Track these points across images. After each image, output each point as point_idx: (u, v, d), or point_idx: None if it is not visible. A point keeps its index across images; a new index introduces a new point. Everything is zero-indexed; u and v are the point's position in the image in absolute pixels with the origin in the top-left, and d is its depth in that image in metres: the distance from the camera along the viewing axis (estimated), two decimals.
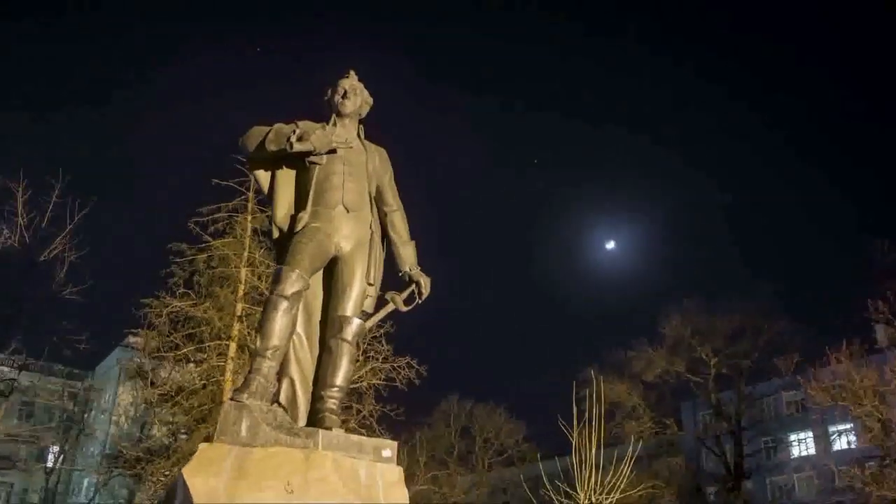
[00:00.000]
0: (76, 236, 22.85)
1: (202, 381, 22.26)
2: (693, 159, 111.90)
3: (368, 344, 24.20)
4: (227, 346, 22.48)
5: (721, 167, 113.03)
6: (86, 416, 42.08)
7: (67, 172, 23.61)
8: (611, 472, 18.42)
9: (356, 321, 6.42)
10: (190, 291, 23.46)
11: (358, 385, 24.32)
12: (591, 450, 18.54)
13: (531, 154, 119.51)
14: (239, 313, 22.70)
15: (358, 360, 7.15)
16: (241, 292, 23.10)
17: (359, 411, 24.58)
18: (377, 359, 24.37)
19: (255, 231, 24.29)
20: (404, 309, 7.58)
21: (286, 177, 6.82)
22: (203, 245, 23.74)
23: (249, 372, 6.04)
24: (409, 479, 26.28)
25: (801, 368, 36.31)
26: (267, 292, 6.49)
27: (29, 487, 43.59)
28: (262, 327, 6.07)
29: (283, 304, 6.03)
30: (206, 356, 22.54)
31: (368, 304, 6.67)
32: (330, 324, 6.41)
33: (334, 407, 6.15)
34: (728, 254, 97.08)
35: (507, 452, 44.18)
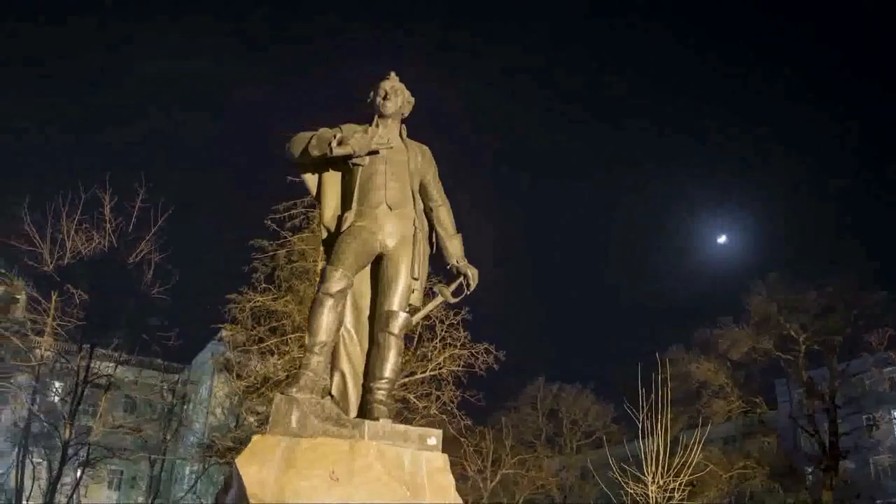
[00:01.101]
0: (161, 238, 24.06)
1: (285, 373, 22.98)
2: (799, 145, 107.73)
3: (446, 331, 24.56)
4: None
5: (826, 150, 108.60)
6: (185, 407, 43.86)
7: (150, 178, 24.89)
8: (683, 454, 18.15)
9: (402, 315, 6.66)
10: (271, 287, 24.26)
11: (437, 372, 24.75)
12: (660, 432, 18.33)
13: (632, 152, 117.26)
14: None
15: (405, 353, 7.37)
16: None
17: (438, 398, 24.92)
18: (455, 346, 24.63)
19: None
20: (453, 301, 7.83)
21: (332, 179, 7.12)
22: (282, 241, 24.50)
23: (299, 367, 6.40)
24: (496, 463, 26.61)
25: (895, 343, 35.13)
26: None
27: (136, 475, 45.80)
28: (310, 324, 6.40)
29: (329, 302, 6.35)
30: (288, 348, 23.21)
31: (415, 298, 6.90)
32: (377, 318, 6.68)
33: (383, 398, 6.42)
34: (827, 230, 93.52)
35: (594, 434, 43.90)
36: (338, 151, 6.60)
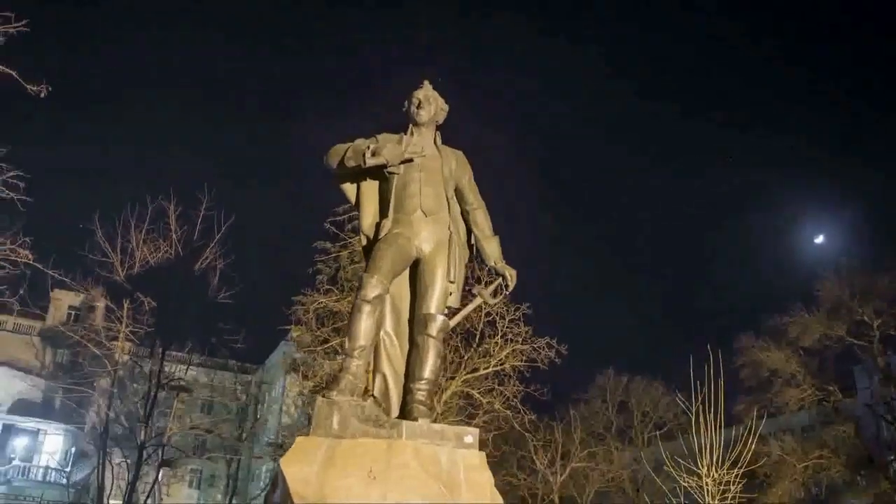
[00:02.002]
0: (224, 244, 24.85)
1: None
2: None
3: (507, 327, 24.70)
4: None
5: None
6: (259, 407, 45.01)
7: (212, 186, 25.73)
8: (742, 445, 17.86)
9: (440, 318, 6.86)
10: (333, 288, 24.78)
11: (500, 368, 24.92)
12: (711, 422, 18.08)
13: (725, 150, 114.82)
14: None
15: (444, 356, 7.50)
16: None
17: (502, 393, 25.11)
18: (517, 341, 24.75)
19: None
20: (492, 302, 8.06)
21: (370, 188, 7.36)
22: (344, 242, 25.01)
23: (340, 370, 6.67)
24: (565, 457, 26.49)
25: None
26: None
27: (215, 473, 47.21)
28: (349, 330, 6.67)
29: (367, 308, 6.59)
30: None
31: (453, 300, 7.09)
32: (416, 321, 6.90)
33: (423, 398, 6.64)
34: None
35: (666, 426, 43.31)
36: (371, 162, 6.85)
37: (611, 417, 46.08)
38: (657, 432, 45.39)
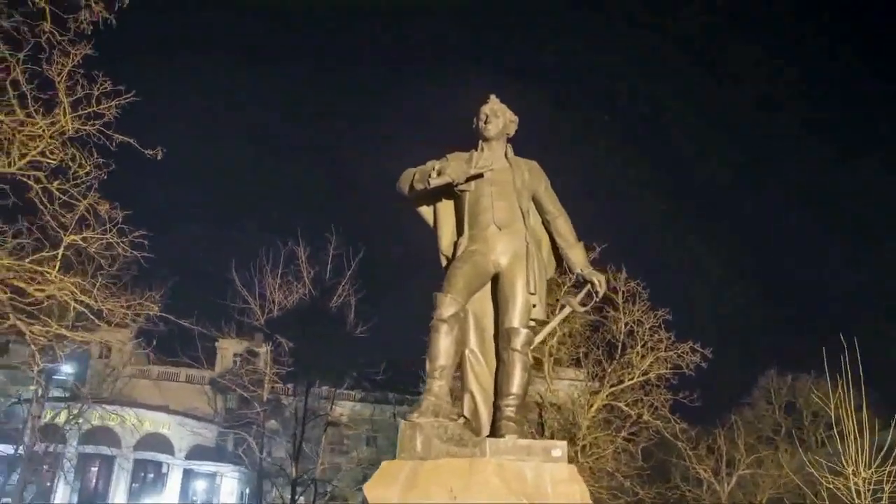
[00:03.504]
0: (356, 280, 25.62)
1: None
2: None
3: (647, 334, 24.12)
4: None
5: None
6: None
7: (339, 224, 26.68)
8: None
9: (523, 331, 6.77)
10: None
11: (645, 377, 24.32)
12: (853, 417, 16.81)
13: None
14: None
15: (530, 369, 7.32)
16: None
17: (651, 403, 24.44)
18: (659, 348, 24.10)
19: None
20: (581, 310, 7.85)
21: (446, 209, 7.40)
22: None
23: (422, 393, 6.69)
24: (731, 464, 25.35)
25: None
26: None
27: None
28: (428, 351, 6.66)
29: (444, 327, 6.59)
30: None
31: (537, 312, 6.96)
32: (500, 337, 6.83)
33: (511, 414, 6.55)
34: None
35: (841, 425, 40.54)
36: (435, 182, 6.87)
37: (778, 420, 43.61)
38: (831, 432, 42.65)
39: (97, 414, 39.08)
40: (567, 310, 7.72)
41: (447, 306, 6.59)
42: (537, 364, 25.10)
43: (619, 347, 24.69)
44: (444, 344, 6.58)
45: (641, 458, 26.33)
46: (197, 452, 46.17)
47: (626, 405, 24.48)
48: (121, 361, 41.27)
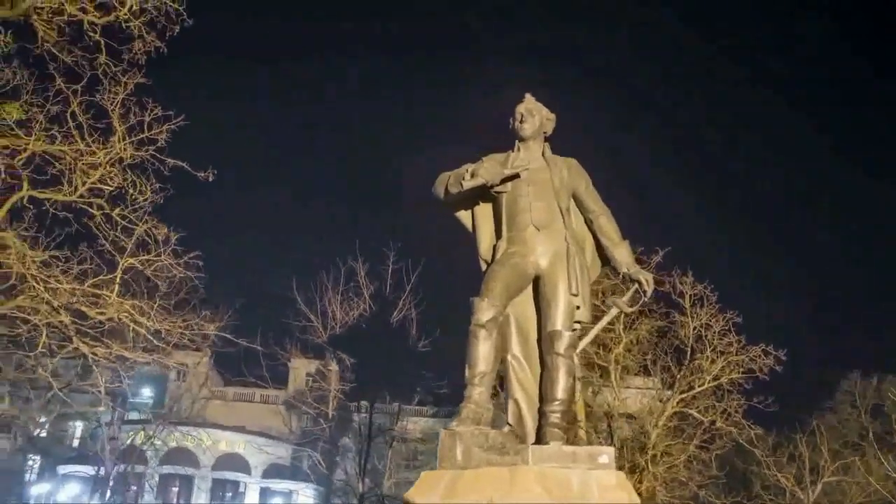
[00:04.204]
0: (417, 294, 25.64)
1: None
2: None
3: (716, 338, 23.49)
4: None
5: None
6: None
7: (398, 240, 26.73)
8: None
9: (567, 334, 6.55)
10: None
11: (716, 383, 23.67)
12: None
13: None
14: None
15: (575, 373, 7.09)
16: None
17: (724, 409, 23.74)
18: (730, 352, 23.43)
19: None
20: (629, 311, 7.62)
21: (483, 212, 7.25)
22: None
23: (462, 401, 6.55)
24: (814, 471, 24.46)
25: None
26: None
27: None
28: (467, 358, 6.51)
29: (482, 333, 6.44)
30: None
31: (582, 315, 6.75)
32: (543, 341, 6.64)
33: (557, 421, 6.35)
34: None
35: None
36: (468, 185, 6.74)
37: (864, 424, 41.90)
38: None
39: (175, 435, 39.96)
40: (614, 311, 7.51)
41: (484, 311, 6.44)
42: (603, 372, 24.68)
43: (688, 353, 24.08)
44: (482, 350, 6.44)
45: (716, 466, 25.61)
46: (273, 471, 46.77)
47: (698, 412, 23.83)
48: (197, 383, 42.22)
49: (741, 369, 23.45)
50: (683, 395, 23.80)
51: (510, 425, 6.65)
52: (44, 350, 12.31)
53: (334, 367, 29.06)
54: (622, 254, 7.15)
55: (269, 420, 48.79)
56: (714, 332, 23.53)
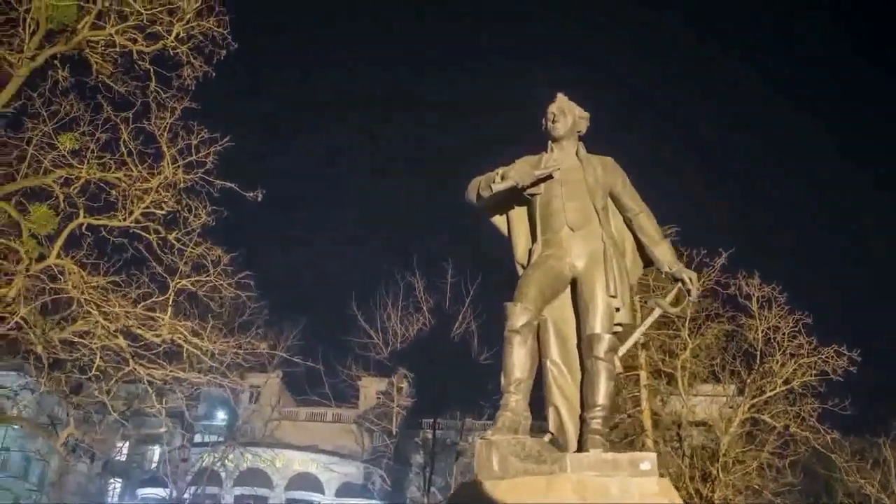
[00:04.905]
0: (477, 306, 25.51)
1: (626, 412, 22.80)
2: None
3: (785, 340, 22.78)
4: (638, 374, 22.87)
5: None
6: None
7: (453, 254, 26.69)
8: None
9: (606, 337, 6.35)
10: None
11: (788, 386, 22.94)
12: None
13: None
14: (642, 341, 22.96)
15: (618, 376, 6.84)
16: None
17: (797, 413, 22.97)
18: (801, 354, 22.67)
19: None
20: (673, 311, 7.32)
21: (518, 215, 7.10)
22: None
23: (499, 409, 6.38)
24: None
25: None
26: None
27: None
28: (503, 365, 6.35)
29: (516, 339, 6.28)
30: (623, 386, 23.02)
31: (622, 317, 6.54)
32: (583, 345, 6.44)
33: (598, 427, 6.15)
34: None
35: None
36: (498, 188, 6.59)
37: None
38: None
39: (248, 456, 40.44)
40: (657, 312, 7.21)
41: (518, 316, 6.30)
42: (671, 379, 24.14)
43: (758, 356, 23.41)
44: (518, 356, 6.29)
45: (792, 473, 24.74)
46: (345, 490, 46.95)
47: (771, 417, 23.10)
48: (268, 404, 42.74)
49: (813, 371, 22.71)
50: (754, 400, 23.15)
51: (551, 434, 6.46)
52: (98, 373, 12.57)
53: (404, 384, 29.11)
54: (663, 252, 6.94)
55: (342, 439, 49.13)
56: (783, 334, 22.85)
